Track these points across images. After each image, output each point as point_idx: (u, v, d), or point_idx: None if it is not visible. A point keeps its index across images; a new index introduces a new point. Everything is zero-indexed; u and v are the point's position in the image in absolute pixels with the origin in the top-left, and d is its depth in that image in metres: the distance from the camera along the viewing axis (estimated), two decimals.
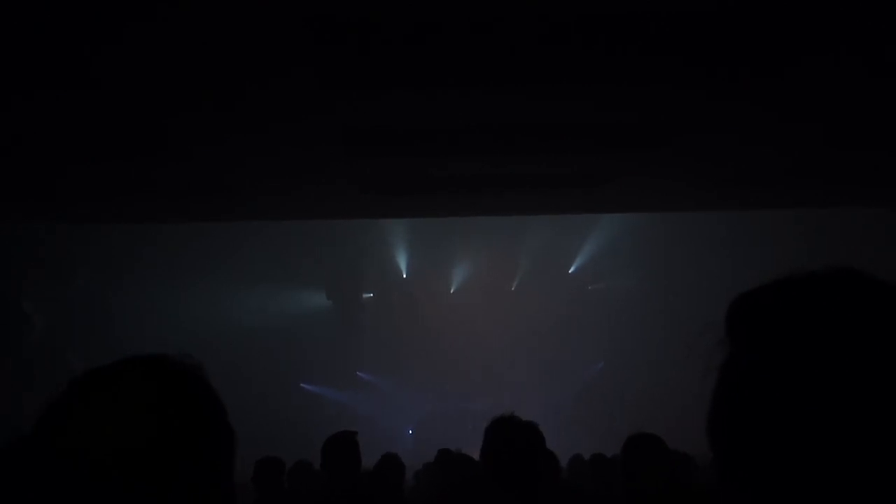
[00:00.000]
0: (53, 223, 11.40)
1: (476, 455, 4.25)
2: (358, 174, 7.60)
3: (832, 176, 8.10)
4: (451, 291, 18.23)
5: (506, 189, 8.28)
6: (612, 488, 5.71)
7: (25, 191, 7.72)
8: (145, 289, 15.36)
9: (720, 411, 0.90)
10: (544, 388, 16.32)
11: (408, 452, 10.75)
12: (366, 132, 6.40)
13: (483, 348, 16.86)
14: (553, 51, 4.87)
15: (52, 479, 1.01)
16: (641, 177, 7.88)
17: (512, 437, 3.00)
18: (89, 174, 7.26)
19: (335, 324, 17.54)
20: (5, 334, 14.05)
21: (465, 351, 16.87)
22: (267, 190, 8.10)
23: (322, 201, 8.91)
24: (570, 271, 18.00)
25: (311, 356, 16.82)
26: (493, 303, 17.53)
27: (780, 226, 13.13)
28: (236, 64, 4.96)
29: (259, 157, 7.01)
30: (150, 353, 1.13)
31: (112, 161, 6.86)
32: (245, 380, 12.86)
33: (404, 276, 17.96)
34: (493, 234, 15.93)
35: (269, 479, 6.14)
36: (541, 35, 4.64)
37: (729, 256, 14.18)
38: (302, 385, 17.21)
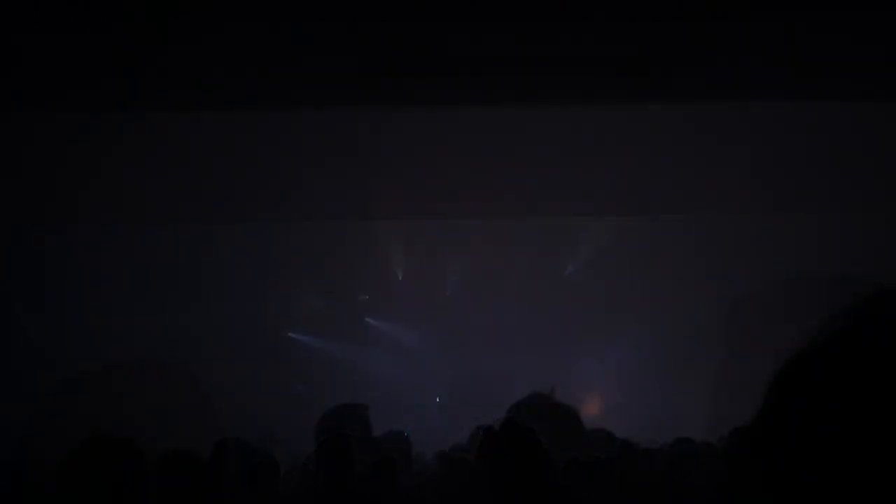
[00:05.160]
0: (51, 223, 11.37)
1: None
2: (361, 48, 6.81)
3: (832, 180, 8.11)
4: (447, 293, 18.21)
5: (526, 70, 7.28)
6: (607, 490, 5.70)
7: (23, 191, 7.71)
8: (140, 290, 15.32)
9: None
10: (540, 390, 16.28)
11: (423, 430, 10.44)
12: None
13: (479, 350, 16.84)
14: None
15: (43, 478, 1.01)
16: (643, 179, 7.86)
17: (508, 440, 3.00)
18: (86, 173, 7.24)
19: (331, 325, 17.54)
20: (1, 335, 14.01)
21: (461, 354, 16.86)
22: (263, 69, 7.45)
23: (321, 85, 8.02)
24: (566, 273, 17.98)
25: (306, 356, 16.80)
26: (490, 303, 17.52)
27: (778, 228, 13.14)
28: None
29: (255, 36, 6.48)
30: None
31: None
32: (240, 382, 12.84)
33: (400, 277, 17.94)
34: (490, 235, 15.93)
35: (263, 480, 6.13)
36: None
37: (726, 258, 14.19)
38: (290, 335, 16.71)
